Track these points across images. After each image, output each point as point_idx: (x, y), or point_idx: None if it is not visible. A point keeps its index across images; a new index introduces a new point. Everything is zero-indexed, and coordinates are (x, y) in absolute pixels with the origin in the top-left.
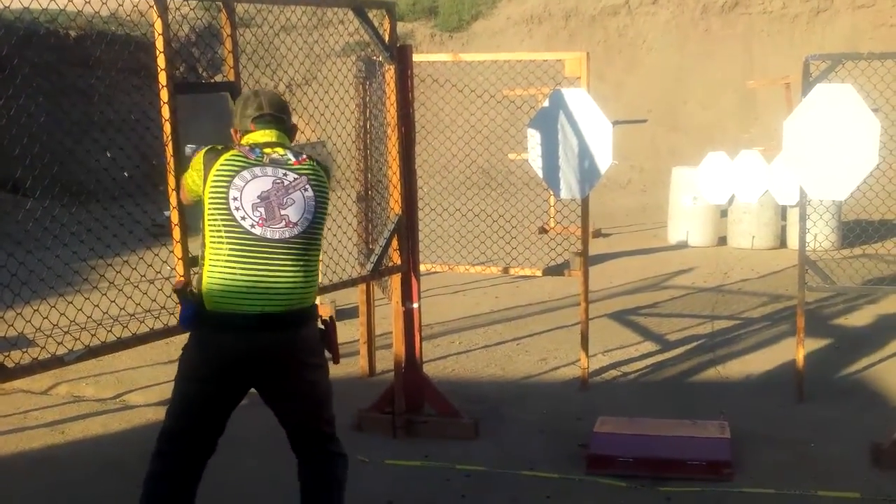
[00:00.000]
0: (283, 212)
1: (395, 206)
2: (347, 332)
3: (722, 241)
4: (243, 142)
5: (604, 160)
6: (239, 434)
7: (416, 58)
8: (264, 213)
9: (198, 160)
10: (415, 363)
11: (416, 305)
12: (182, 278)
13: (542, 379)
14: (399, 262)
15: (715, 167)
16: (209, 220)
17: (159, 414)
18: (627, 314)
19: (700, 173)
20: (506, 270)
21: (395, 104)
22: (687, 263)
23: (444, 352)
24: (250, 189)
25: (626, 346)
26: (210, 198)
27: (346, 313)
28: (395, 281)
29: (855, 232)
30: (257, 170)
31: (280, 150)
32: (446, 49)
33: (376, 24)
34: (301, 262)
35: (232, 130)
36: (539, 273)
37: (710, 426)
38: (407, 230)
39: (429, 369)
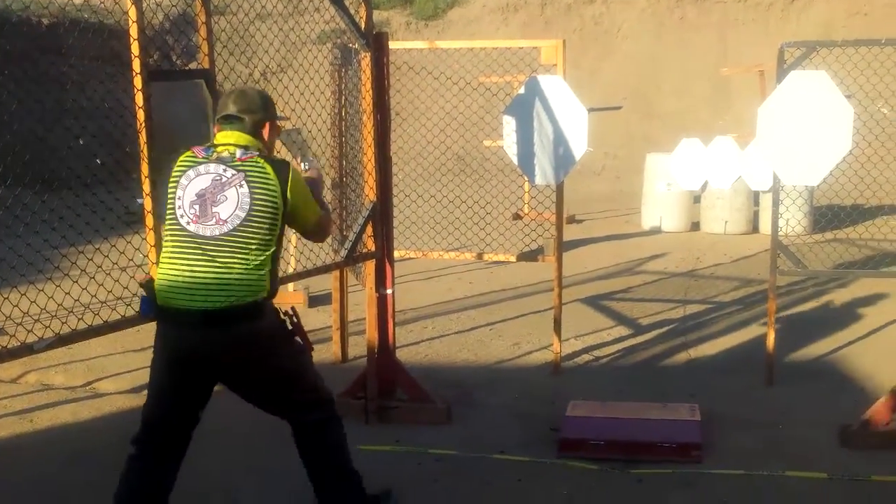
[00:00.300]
0: (214, 209)
1: (369, 192)
2: (320, 318)
3: (695, 226)
4: (215, 139)
5: (579, 147)
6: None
7: (391, 45)
8: (198, 211)
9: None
10: (388, 349)
11: (389, 291)
12: (147, 274)
13: (514, 363)
14: (373, 248)
15: (688, 153)
16: (165, 217)
17: (130, 402)
18: (600, 299)
19: (674, 160)
20: (480, 256)
21: (370, 91)
22: (660, 249)
23: (417, 337)
24: (192, 187)
25: (599, 330)
26: (168, 195)
27: (320, 300)
28: (369, 267)
29: (827, 217)
30: (202, 168)
31: (231, 148)
32: (422, 37)
33: (352, 11)
34: (236, 259)
35: (214, 126)
36: (513, 259)
37: (680, 409)
38: (381, 217)
39: (402, 355)
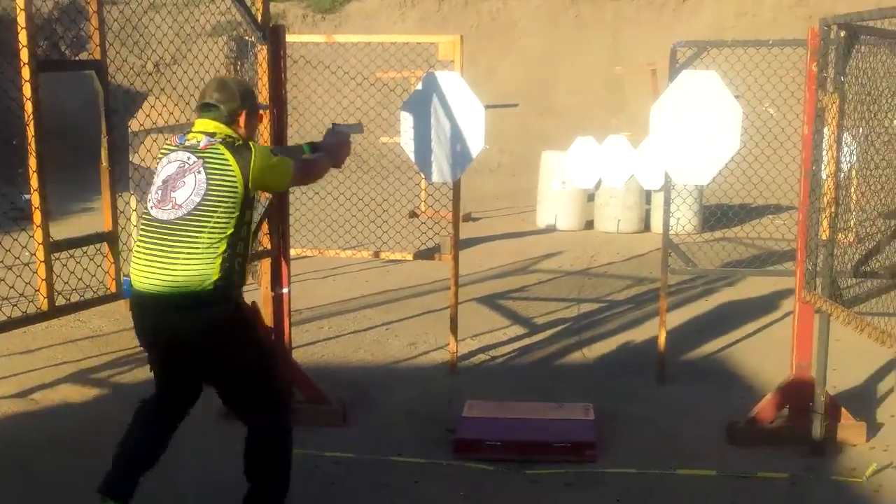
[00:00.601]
0: (173, 194)
1: None
2: None
3: (589, 224)
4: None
5: (475, 144)
6: None
7: (288, 38)
8: (160, 196)
9: None
10: (284, 349)
11: (285, 290)
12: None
13: (411, 363)
14: (269, 246)
15: (583, 152)
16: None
17: (17, 406)
18: (496, 298)
19: (568, 158)
20: (376, 255)
21: (266, 85)
22: (555, 247)
23: (313, 337)
24: (163, 173)
25: (495, 329)
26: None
27: None
28: (265, 266)
29: (716, 216)
30: (172, 156)
31: (199, 136)
32: (319, 30)
33: (248, 3)
34: (185, 242)
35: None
36: (410, 257)
37: (574, 408)
38: (278, 214)
39: (298, 355)
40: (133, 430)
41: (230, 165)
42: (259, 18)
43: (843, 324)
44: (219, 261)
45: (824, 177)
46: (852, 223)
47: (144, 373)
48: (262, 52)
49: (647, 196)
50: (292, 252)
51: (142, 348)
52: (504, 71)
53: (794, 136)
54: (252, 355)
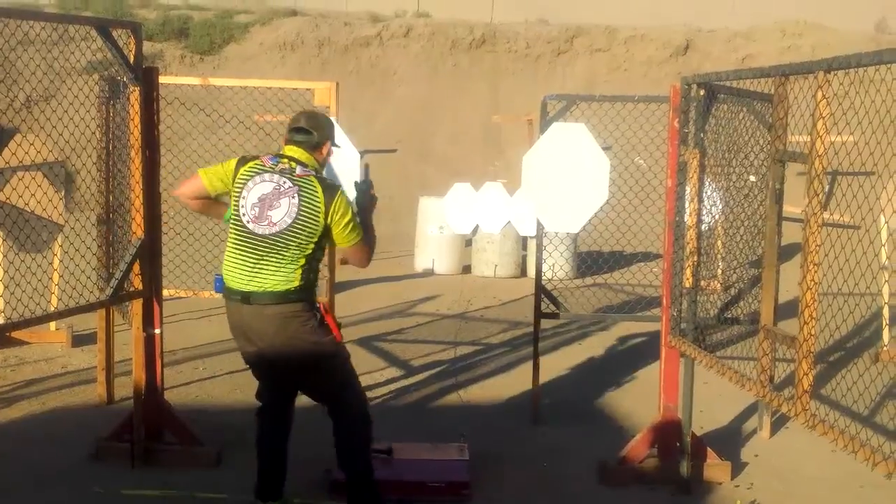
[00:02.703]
0: (269, 213)
1: (137, 229)
2: (86, 358)
3: (466, 269)
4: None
5: (352, 189)
6: None
7: (163, 79)
8: (258, 213)
9: (230, 163)
10: (155, 390)
11: (157, 331)
12: None
13: None
14: (140, 286)
15: (460, 198)
16: (231, 213)
17: None
18: (374, 340)
19: (446, 203)
20: None
21: (138, 126)
22: (432, 291)
23: (187, 378)
24: (255, 191)
25: (372, 371)
26: (233, 196)
27: (85, 339)
28: (136, 306)
29: (588, 263)
30: (266, 175)
31: (292, 163)
32: (197, 71)
33: (122, 43)
34: (276, 256)
35: (283, 139)
36: None
37: (450, 449)
38: (149, 254)
39: (171, 396)
40: (260, 435)
41: (318, 199)
42: (132, 59)
43: (706, 368)
44: (299, 272)
45: (687, 228)
46: (719, 271)
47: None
48: (135, 94)
49: (524, 242)
50: (167, 292)
51: None
52: (383, 117)
53: (661, 188)
54: (322, 345)
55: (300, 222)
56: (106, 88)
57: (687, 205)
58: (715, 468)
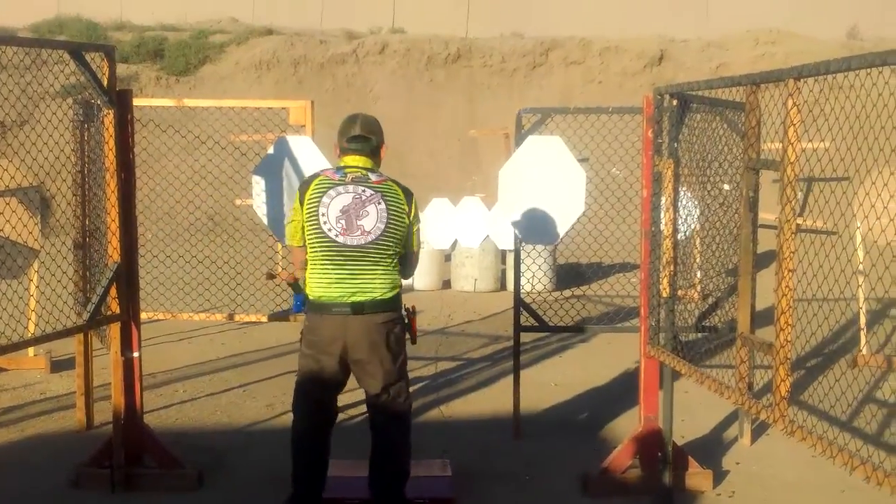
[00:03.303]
0: (359, 222)
1: (113, 253)
2: (64, 384)
3: (446, 284)
4: (340, 162)
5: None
6: None
7: (137, 102)
8: (345, 224)
9: (296, 201)
10: (135, 414)
11: (136, 355)
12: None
13: (269, 425)
14: (118, 310)
15: (439, 213)
16: (307, 234)
17: None
18: None
19: (425, 219)
20: (231, 317)
21: (113, 149)
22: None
23: (167, 401)
24: (335, 205)
25: (353, 388)
26: (307, 216)
27: (64, 364)
28: (114, 330)
29: (571, 275)
30: (340, 188)
31: (362, 171)
32: (173, 93)
33: (95, 66)
34: (376, 263)
35: (333, 145)
36: (264, 319)
37: (433, 465)
38: (126, 278)
39: (151, 419)
40: (300, 453)
41: (402, 201)
42: (105, 82)
43: (686, 376)
44: (394, 274)
45: (663, 237)
46: (697, 280)
47: None
48: (109, 117)
49: (503, 256)
50: (144, 315)
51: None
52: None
53: (638, 198)
54: (404, 349)
55: (392, 226)
56: (80, 112)
57: (663, 214)
58: (697, 477)
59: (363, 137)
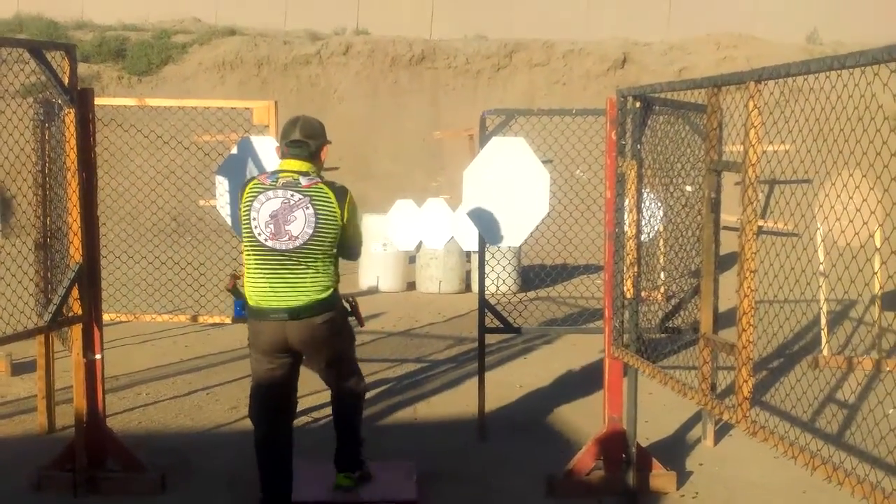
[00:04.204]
0: (286, 227)
1: (75, 253)
2: (25, 387)
3: (411, 286)
4: (278, 166)
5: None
6: None
7: (99, 101)
8: (273, 229)
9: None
10: (97, 417)
11: (98, 357)
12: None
13: (233, 427)
14: (79, 311)
15: (403, 214)
16: (243, 237)
17: None
18: None
19: (389, 220)
20: (195, 318)
21: (74, 149)
22: (377, 308)
23: (130, 404)
24: (265, 210)
25: (318, 391)
26: (242, 219)
27: (25, 367)
28: (76, 332)
29: (540, 276)
30: (270, 193)
31: (294, 176)
32: (135, 92)
33: (56, 64)
34: (306, 266)
35: (276, 148)
36: (228, 320)
37: (397, 467)
38: (88, 279)
39: (114, 423)
40: (267, 445)
41: (333, 203)
42: (66, 81)
43: (649, 377)
44: (328, 274)
45: (627, 238)
46: (661, 281)
47: None
48: (70, 116)
49: (468, 257)
50: (107, 317)
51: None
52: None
53: (602, 200)
54: (349, 338)
55: (322, 230)
56: (41, 111)
57: (626, 216)
58: (660, 478)
59: (301, 142)
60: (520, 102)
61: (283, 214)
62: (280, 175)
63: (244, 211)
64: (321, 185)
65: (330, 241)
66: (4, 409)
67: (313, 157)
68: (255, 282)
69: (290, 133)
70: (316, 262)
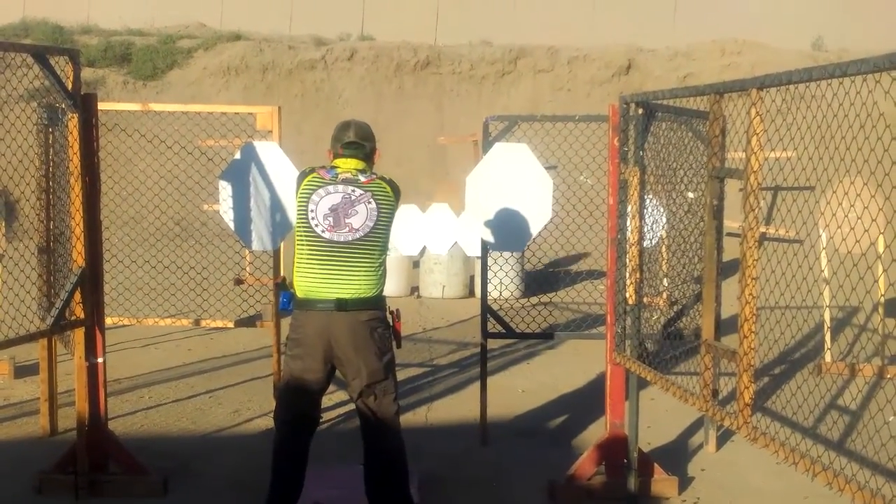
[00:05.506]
0: (347, 220)
1: (77, 257)
2: (28, 389)
3: (415, 290)
4: (332, 163)
5: (294, 212)
6: None
7: (103, 106)
8: (332, 222)
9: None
10: (99, 420)
11: (100, 360)
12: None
13: (235, 431)
14: (82, 315)
15: (407, 220)
16: (296, 229)
17: None
18: None
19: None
20: (197, 322)
21: (77, 154)
22: None
23: (132, 407)
24: (324, 203)
25: (332, 392)
26: (297, 211)
27: (28, 370)
28: (78, 335)
29: (539, 281)
30: (330, 188)
31: (353, 172)
32: (140, 97)
33: (59, 69)
34: (364, 260)
35: (327, 151)
36: (231, 325)
37: None
38: (91, 283)
39: (116, 426)
40: (279, 460)
41: (392, 198)
42: (70, 86)
43: (651, 384)
44: (379, 274)
45: (629, 245)
46: (663, 288)
47: None
48: (73, 121)
49: (472, 262)
50: (109, 321)
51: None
52: (329, 140)
53: (605, 206)
54: (388, 350)
55: (382, 223)
56: (45, 116)
57: (629, 222)
58: (662, 483)
59: (357, 144)
60: (524, 108)
61: (345, 209)
62: (339, 171)
63: (300, 203)
64: (379, 181)
65: (387, 234)
66: (7, 411)
67: (367, 158)
68: (307, 273)
69: (345, 135)
70: (371, 257)
